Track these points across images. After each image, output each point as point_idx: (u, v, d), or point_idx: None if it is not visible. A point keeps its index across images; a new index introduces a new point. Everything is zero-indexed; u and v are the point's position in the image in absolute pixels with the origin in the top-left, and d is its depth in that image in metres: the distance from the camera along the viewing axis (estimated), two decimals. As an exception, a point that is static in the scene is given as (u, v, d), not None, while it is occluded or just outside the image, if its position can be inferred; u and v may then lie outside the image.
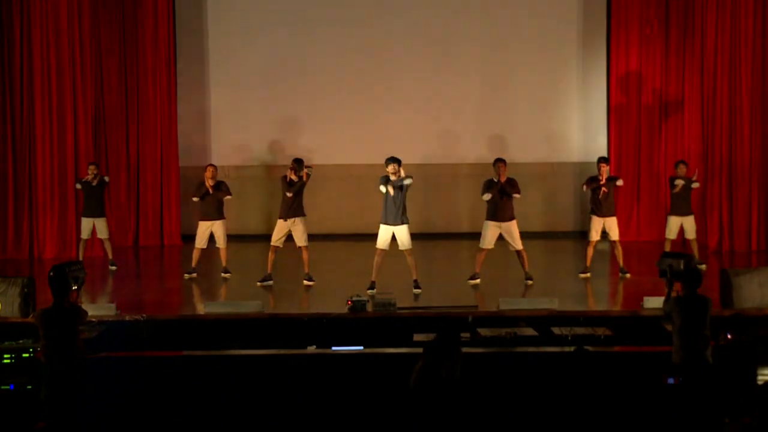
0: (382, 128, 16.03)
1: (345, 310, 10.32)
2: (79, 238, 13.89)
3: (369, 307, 10.37)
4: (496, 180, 12.17)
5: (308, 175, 12.45)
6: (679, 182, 12.95)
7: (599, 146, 15.94)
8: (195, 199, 12.97)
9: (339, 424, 7.99)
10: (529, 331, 9.58)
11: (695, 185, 13.11)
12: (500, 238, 12.17)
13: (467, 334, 9.39)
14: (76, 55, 14.90)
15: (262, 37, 16.24)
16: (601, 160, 12.85)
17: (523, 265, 12.20)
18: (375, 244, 11.85)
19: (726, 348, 8.58)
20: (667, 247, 12.79)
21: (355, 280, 11.93)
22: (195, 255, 12.83)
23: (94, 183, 13.44)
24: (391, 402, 7.39)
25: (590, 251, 12.61)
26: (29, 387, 8.32)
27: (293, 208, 12.35)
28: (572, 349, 8.58)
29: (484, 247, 12.20)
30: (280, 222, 12.43)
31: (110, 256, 13.72)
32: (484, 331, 9.49)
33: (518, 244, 12.15)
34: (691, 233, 13.05)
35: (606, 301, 11.86)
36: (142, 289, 12.75)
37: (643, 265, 12.81)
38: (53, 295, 7.69)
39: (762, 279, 10.18)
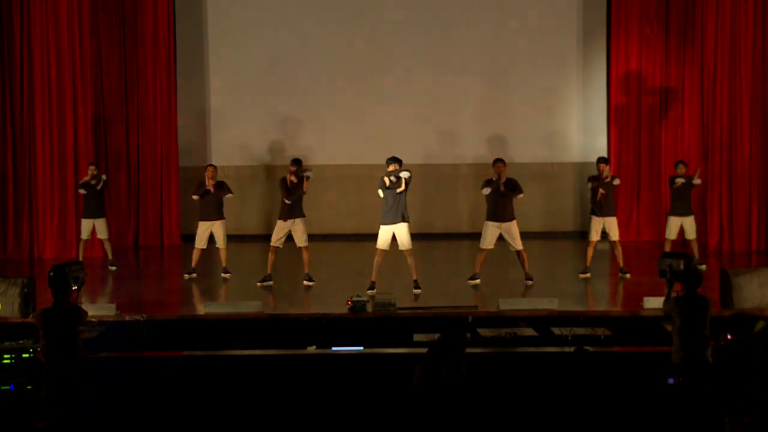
0: (382, 128, 16.04)
1: (345, 310, 10.31)
2: (79, 239, 13.89)
3: (369, 308, 10.36)
4: (495, 180, 12.16)
5: (308, 178, 12.44)
6: (679, 180, 12.95)
7: (599, 146, 15.96)
8: (195, 197, 12.96)
9: (339, 425, 7.99)
10: (529, 332, 9.58)
11: (697, 182, 13.10)
12: (500, 238, 12.17)
13: (468, 335, 9.39)
14: (76, 55, 14.90)
15: (261, 38, 16.26)
16: (601, 160, 12.85)
17: (523, 266, 12.19)
18: (375, 244, 11.85)
19: (726, 348, 8.58)
20: (667, 248, 12.79)
21: (355, 281, 11.93)
22: (195, 255, 12.83)
23: (99, 187, 13.44)
24: (391, 402, 7.39)
25: (590, 251, 12.61)
26: (29, 387, 8.31)
27: (293, 210, 12.35)
28: (572, 349, 8.60)
29: (484, 247, 12.20)
30: (279, 222, 12.43)
31: (110, 257, 13.72)
32: (484, 331, 9.49)
33: (518, 245, 12.14)
34: (691, 233, 13.04)
35: (606, 302, 11.85)
36: (142, 289, 12.75)
37: (643, 265, 12.81)
38: (53, 295, 7.68)
39: (762, 279, 10.18)
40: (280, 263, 12.64)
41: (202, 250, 12.89)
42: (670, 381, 7.96)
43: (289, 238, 12.46)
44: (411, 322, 10.04)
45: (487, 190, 12.09)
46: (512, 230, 12.12)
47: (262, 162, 16.36)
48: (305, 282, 12.22)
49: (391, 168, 11.71)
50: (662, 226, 13.86)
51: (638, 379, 8.14)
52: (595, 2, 16.16)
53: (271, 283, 12.24)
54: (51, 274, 7.76)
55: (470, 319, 10.03)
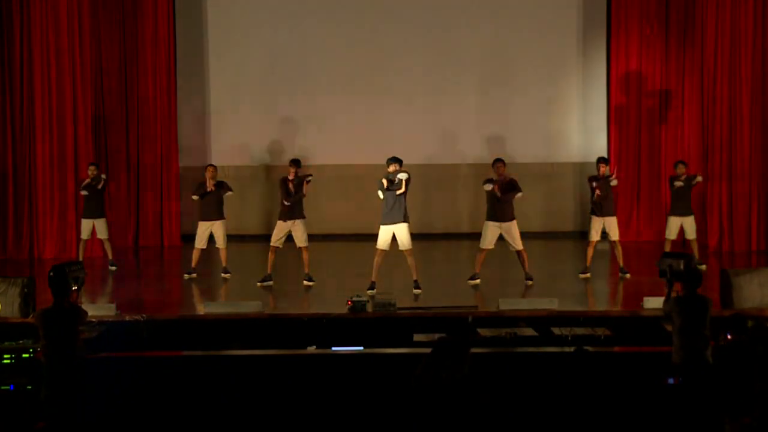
0: (382, 128, 16.05)
1: (345, 310, 10.31)
2: (79, 239, 13.89)
3: (369, 308, 10.36)
4: (496, 179, 12.16)
5: (308, 181, 12.44)
6: (678, 183, 12.95)
7: (599, 146, 15.96)
8: (194, 197, 12.96)
9: (339, 425, 7.98)
10: (529, 332, 9.58)
11: (698, 179, 13.10)
12: (500, 238, 12.17)
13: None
14: (76, 56, 14.90)
15: (261, 38, 16.26)
16: (601, 160, 12.86)
17: (523, 266, 12.19)
18: (375, 244, 11.84)
19: (726, 348, 8.58)
20: (667, 248, 12.79)
21: (355, 281, 11.93)
22: (195, 255, 12.82)
23: (99, 186, 13.44)
24: (391, 402, 7.38)
25: (590, 251, 12.60)
26: (29, 387, 8.31)
27: (293, 210, 12.35)
28: (572, 349, 8.59)
29: (484, 247, 12.20)
30: (279, 223, 12.43)
31: (110, 257, 13.72)
32: (484, 332, 9.49)
33: (518, 245, 12.14)
34: (691, 233, 13.04)
35: (606, 302, 11.85)
36: (142, 289, 12.74)
37: (643, 265, 12.81)
38: (53, 295, 7.68)
39: (762, 279, 10.19)
40: (280, 263, 12.65)
41: (202, 250, 12.89)
42: (670, 381, 7.95)
43: (289, 238, 12.46)
44: (411, 322, 10.04)
45: (488, 186, 12.08)
46: (512, 230, 12.11)
47: (262, 162, 16.36)
48: (305, 282, 12.22)
49: (391, 168, 11.71)
50: (662, 226, 13.86)
51: (638, 379, 8.13)
52: (595, 2, 16.16)
53: (271, 283, 12.24)
54: (51, 274, 7.75)
55: (470, 319, 10.03)
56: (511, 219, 12.17)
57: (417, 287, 11.63)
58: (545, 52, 16.19)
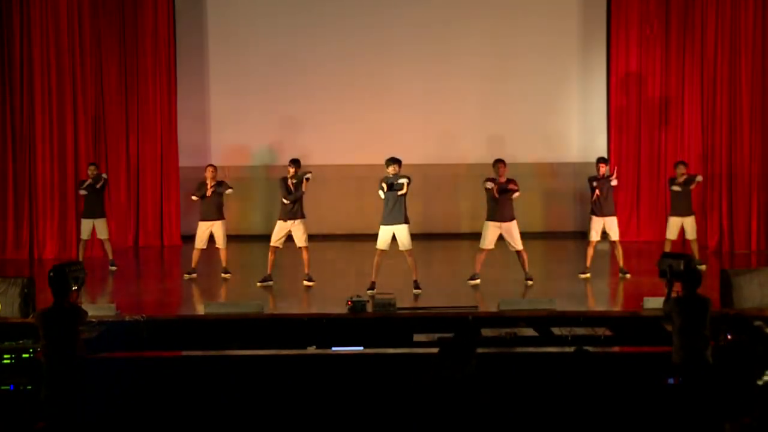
0: (382, 128, 16.04)
1: (345, 310, 10.31)
2: (79, 239, 13.89)
3: (369, 308, 10.36)
4: (496, 179, 12.16)
5: (308, 179, 12.43)
6: (675, 188, 12.96)
7: (599, 146, 15.96)
8: (194, 197, 12.97)
9: (339, 425, 7.98)
10: (529, 332, 9.58)
11: (699, 179, 13.09)
12: (500, 238, 12.16)
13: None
14: (76, 55, 14.91)
15: (262, 38, 16.27)
16: (600, 160, 12.86)
17: (523, 266, 12.19)
18: (375, 244, 11.85)
19: (726, 348, 8.58)
20: (668, 248, 12.78)
21: (355, 281, 11.93)
22: (195, 255, 12.82)
23: (99, 185, 13.44)
24: (391, 402, 7.38)
25: (590, 251, 12.61)
26: (29, 387, 8.31)
27: (293, 211, 12.34)
28: (572, 349, 8.58)
29: (484, 247, 12.20)
30: (279, 223, 12.42)
31: (110, 257, 13.72)
32: (484, 332, 9.49)
33: (518, 245, 12.14)
34: (691, 234, 13.04)
35: (606, 302, 11.85)
36: (142, 289, 12.75)
37: (643, 265, 12.81)
38: (53, 295, 7.68)
39: (762, 279, 10.19)
40: (280, 263, 12.65)
41: (202, 250, 12.89)
42: (670, 381, 7.96)
43: (289, 238, 12.45)
44: (411, 322, 10.04)
45: (489, 184, 12.07)
46: (512, 230, 12.11)
47: (262, 162, 16.35)
48: (305, 282, 12.22)
49: (391, 169, 11.70)
50: (662, 226, 13.86)
51: (638, 379, 8.13)
52: (595, 2, 16.16)
53: (271, 283, 12.24)
54: (51, 274, 7.75)
55: (470, 319, 10.03)
56: (511, 219, 12.17)
57: (417, 287, 11.63)
58: (545, 52, 16.19)
